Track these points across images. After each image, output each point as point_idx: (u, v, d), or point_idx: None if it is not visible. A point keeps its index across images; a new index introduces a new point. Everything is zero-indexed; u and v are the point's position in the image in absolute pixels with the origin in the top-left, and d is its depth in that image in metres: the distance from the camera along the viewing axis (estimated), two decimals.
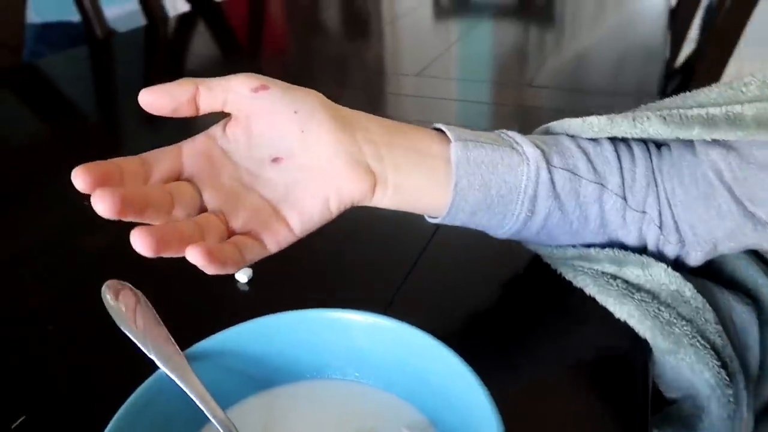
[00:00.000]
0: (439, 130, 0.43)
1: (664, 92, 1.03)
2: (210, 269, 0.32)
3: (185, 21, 1.38)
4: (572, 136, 0.46)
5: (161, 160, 0.35)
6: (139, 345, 0.34)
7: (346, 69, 1.03)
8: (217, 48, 1.19)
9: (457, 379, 0.31)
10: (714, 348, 0.43)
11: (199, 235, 0.33)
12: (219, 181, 0.37)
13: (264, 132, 0.37)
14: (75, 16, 1.29)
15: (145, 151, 0.35)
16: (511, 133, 0.45)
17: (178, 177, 0.36)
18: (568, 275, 0.47)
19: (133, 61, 1.16)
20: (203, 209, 0.36)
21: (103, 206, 0.30)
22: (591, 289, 0.45)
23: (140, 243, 0.30)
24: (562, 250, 0.48)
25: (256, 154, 0.37)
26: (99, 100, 0.96)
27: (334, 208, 0.37)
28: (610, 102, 0.85)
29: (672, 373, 0.44)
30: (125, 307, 0.36)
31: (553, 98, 0.89)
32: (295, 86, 0.37)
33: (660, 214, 0.45)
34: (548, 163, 0.42)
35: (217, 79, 0.36)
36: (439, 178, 0.40)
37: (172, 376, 0.33)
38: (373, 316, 0.35)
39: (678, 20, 1.30)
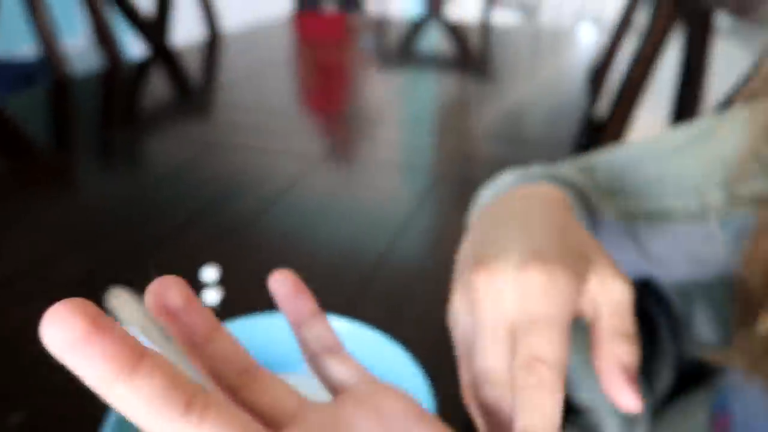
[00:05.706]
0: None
1: (585, 145, 1.12)
2: None
3: (143, 67, 1.42)
4: None
5: None
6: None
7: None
8: (172, 94, 1.24)
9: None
10: None
11: None
12: None
13: None
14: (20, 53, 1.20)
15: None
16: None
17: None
18: None
19: (90, 102, 1.18)
20: None
21: None
22: None
23: None
24: None
25: None
26: (58, 141, 0.94)
27: None
28: (544, 151, 0.93)
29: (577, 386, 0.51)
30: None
31: (490, 147, 0.96)
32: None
33: None
34: None
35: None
36: None
37: None
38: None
39: (598, 78, 1.43)
